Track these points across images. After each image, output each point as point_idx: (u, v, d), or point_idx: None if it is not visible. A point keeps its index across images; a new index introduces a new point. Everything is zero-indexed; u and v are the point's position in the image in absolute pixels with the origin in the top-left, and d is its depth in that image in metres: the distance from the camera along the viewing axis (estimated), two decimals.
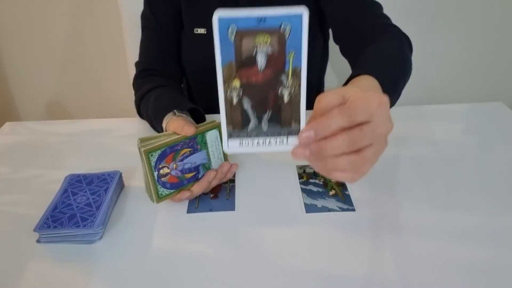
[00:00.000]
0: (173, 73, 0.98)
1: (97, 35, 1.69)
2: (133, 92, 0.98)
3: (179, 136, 0.64)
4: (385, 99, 0.47)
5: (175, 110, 0.77)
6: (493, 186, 0.69)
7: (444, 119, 0.91)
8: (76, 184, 0.69)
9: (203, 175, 0.67)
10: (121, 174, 0.71)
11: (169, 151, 0.63)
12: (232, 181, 0.72)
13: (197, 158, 0.66)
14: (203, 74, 0.98)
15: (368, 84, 0.60)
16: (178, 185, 0.65)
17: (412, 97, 0.95)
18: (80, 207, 0.63)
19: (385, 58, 0.73)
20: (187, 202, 0.68)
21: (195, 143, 0.66)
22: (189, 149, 0.65)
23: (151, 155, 0.61)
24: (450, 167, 0.74)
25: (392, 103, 0.66)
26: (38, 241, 0.61)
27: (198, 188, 0.67)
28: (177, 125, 0.66)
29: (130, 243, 0.60)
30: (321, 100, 0.44)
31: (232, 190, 0.70)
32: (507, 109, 0.94)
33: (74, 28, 1.68)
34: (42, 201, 0.66)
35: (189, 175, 0.66)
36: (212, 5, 0.94)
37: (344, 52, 0.90)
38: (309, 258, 0.56)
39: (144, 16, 0.97)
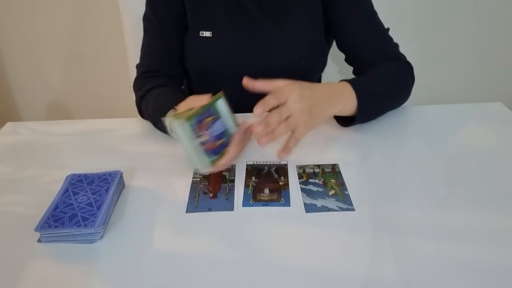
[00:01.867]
0: (175, 76, 0.99)
1: (97, 35, 1.69)
2: (133, 92, 0.98)
3: (198, 107, 0.67)
4: (297, 88, 0.70)
5: (176, 107, 0.78)
6: (492, 186, 0.69)
7: (444, 119, 0.92)
8: (77, 184, 0.69)
9: (232, 138, 0.70)
10: (121, 174, 0.72)
11: (200, 120, 0.65)
12: (232, 181, 0.73)
13: (219, 125, 0.69)
14: (207, 76, 0.98)
15: (336, 84, 0.80)
16: (216, 152, 0.68)
17: (412, 97, 0.96)
18: (81, 206, 0.64)
19: (373, 78, 0.87)
20: (186, 201, 0.68)
21: (213, 112, 0.68)
22: (212, 117, 0.68)
23: (190, 124, 0.63)
24: (450, 167, 0.74)
25: (369, 109, 0.83)
26: (39, 240, 0.61)
27: (234, 150, 0.70)
28: (189, 101, 0.72)
29: (131, 242, 0.60)
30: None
31: (231, 190, 0.70)
32: (506, 109, 0.95)
33: (75, 29, 1.68)
34: (43, 201, 0.66)
35: (219, 142, 0.69)
36: (217, 8, 0.94)
37: (355, 72, 1.01)
38: (309, 258, 0.56)
39: (146, 18, 0.97)
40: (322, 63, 1.05)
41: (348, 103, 0.79)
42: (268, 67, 0.95)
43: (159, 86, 0.91)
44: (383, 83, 0.88)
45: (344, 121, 0.86)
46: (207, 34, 0.94)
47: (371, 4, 0.97)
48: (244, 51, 0.96)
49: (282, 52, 0.96)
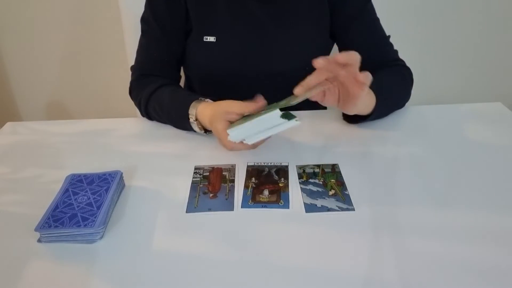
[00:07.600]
0: (172, 79, 0.98)
1: (97, 35, 1.69)
2: (130, 94, 0.98)
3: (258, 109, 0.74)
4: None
5: (200, 97, 0.82)
6: (492, 186, 0.69)
7: (444, 119, 0.92)
8: (77, 184, 0.69)
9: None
10: (121, 174, 0.72)
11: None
12: (232, 181, 0.73)
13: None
14: (211, 81, 0.98)
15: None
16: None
17: (412, 97, 0.96)
18: (81, 206, 0.64)
19: (387, 81, 0.88)
20: (186, 201, 0.68)
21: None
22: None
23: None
24: (449, 167, 0.74)
25: (381, 110, 0.85)
26: (39, 240, 0.61)
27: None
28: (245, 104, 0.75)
29: (131, 242, 0.60)
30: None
31: (231, 190, 0.70)
32: (506, 109, 0.95)
33: (75, 28, 1.69)
34: (43, 201, 0.66)
35: None
36: (221, 13, 0.93)
37: None
38: (309, 258, 0.56)
39: (145, 21, 0.95)
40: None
41: (369, 102, 0.81)
42: (272, 71, 0.95)
43: (168, 84, 0.91)
44: (394, 86, 0.90)
45: (350, 118, 0.88)
46: (211, 39, 0.93)
47: (374, 11, 0.98)
48: (248, 56, 0.95)
49: (287, 57, 0.95)
